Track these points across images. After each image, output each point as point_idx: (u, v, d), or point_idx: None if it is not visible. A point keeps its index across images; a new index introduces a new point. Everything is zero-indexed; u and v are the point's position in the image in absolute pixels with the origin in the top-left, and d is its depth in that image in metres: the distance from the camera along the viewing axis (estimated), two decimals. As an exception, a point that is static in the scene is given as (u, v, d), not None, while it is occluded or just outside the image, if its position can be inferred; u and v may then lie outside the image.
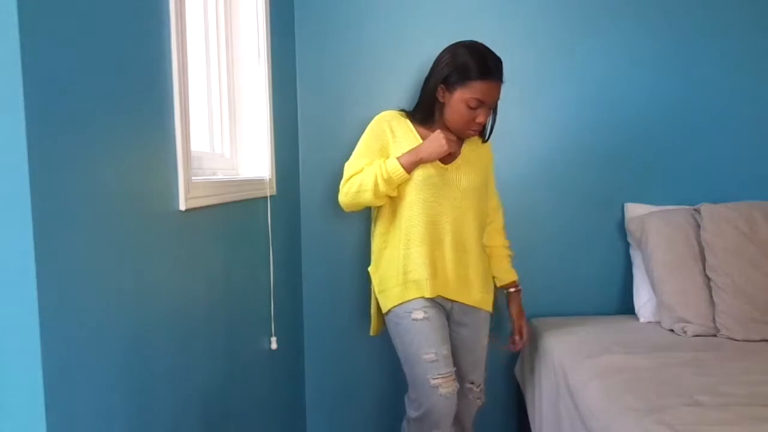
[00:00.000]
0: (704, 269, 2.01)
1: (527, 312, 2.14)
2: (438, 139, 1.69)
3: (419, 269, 1.75)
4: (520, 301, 1.97)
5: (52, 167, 0.74)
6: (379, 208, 1.85)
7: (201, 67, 1.55)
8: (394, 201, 1.80)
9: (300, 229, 2.30)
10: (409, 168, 1.71)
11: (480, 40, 1.76)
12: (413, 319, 1.74)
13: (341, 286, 2.32)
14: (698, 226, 2.06)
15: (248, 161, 1.75)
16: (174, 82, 1.10)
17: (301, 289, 2.31)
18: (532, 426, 2.06)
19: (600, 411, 1.49)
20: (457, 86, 1.69)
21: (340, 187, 1.82)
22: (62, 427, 0.75)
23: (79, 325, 0.79)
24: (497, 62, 1.71)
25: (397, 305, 1.77)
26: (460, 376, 1.86)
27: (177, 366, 1.12)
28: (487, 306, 1.87)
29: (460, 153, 1.80)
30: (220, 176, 1.53)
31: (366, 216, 2.20)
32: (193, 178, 1.19)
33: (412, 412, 1.79)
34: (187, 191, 1.14)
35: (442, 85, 1.72)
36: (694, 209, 2.12)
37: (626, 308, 2.28)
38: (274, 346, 1.74)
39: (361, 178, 1.75)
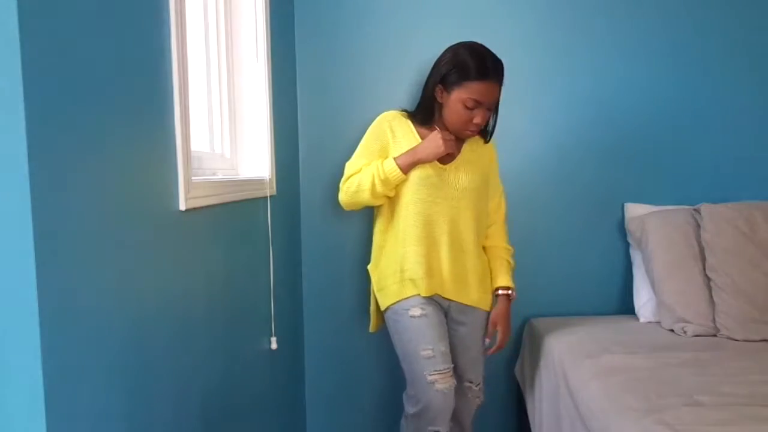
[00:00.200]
0: (704, 269, 2.01)
1: (527, 312, 2.14)
2: (435, 140, 1.69)
3: (415, 268, 1.76)
4: (504, 306, 1.87)
5: (52, 167, 0.74)
6: (379, 206, 1.85)
7: (201, 67, 1.55)
8: (393, 200, 1.81)
9: (300, 229, 2.30)
10: (406, 169, 1.72)
11: (481, 40, 1.76)
12: (411, 316, 1.75)
13: (341, 285, 2.32)
14: (698, 226, 2.06)
15: (248, 161, 1.75)
16: (174, 82, 1.10)
17: (301, 289, 2.31)
18: (532, 426, 2.06)
19: (600, 411, 1.49)
20: (455, 86, 1.69)
21: (340, 185, 1.84)
22: (62, 427, 0.75)
23: (79, 325, 0.79)
24: (495, 63, 1.70)
25: (395, 302, 1.79)
26: (458, 374, 1.86)
27: (177, 366, 1.12)
28: (485, 305, 1.87)
29: (458, 153, 1.80)
30: (220, 176, 1.53)
31: (366, 216, 2.20)
32: (193, 178, 1.19)
33: (409, 408, 1.80)
34: (187, 191, 1.14)
35: (440, 86, 1.73)
36: (694, 209, 2.12)
37: (626, 308, 2.28)
38: (274, 346, 1.74)
39: (359, 177, 1.76)
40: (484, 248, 1.91)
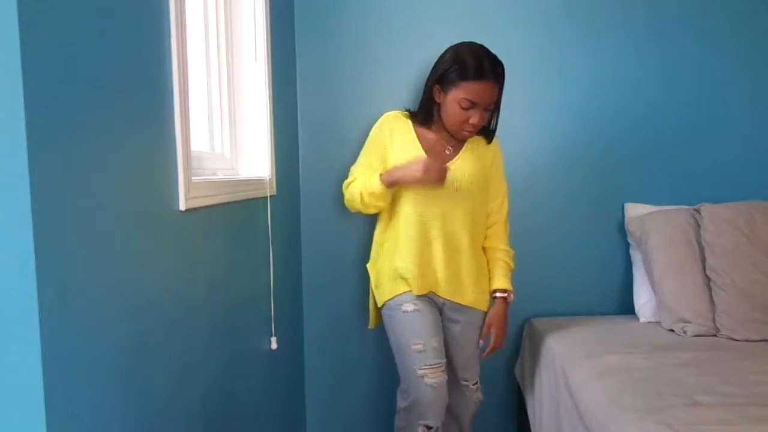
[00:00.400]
0: (704, 269, 2.01)
1: (527, 312, 2.14)
2: (417, 167, 1.68)
3: (408, 267, 1.78)
4: (500, 308, 1.86)
5: (52, 167, 0.73)
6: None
7: (201, 67, 1.55)
8: (393, 200, 1.83)
9: (300, 229, 2.30)
10: (389, 185, 1.74)
11: (481, 39, 1.76)
12: (404, 311, 1.78)
13: (341, 285, 2.32)
14: (698, 226, 2.06)
15: (248, 161, 1.75)
16: (174, 82, 1.10)
17: (301, 289, 2.31)
18: (532, 426, 2.06)
19: (600, 411, 1.49)
20: (451, 87, 1.69)
21: (343, 189, 1.89)
22: (62, 427, 0.75)
23: (79, 325, 0.79)
24: (492, 63, 1.68)
25: (390, 299, 1.82)
26: (454, 372, 1.88)
27: (177, 366, 1.12)
28: (482, 306, 1.88)
29: (457, 154, 1.80)
30: (220, 176, 1.53)
31: (365, 216, 2.19)
32: (193, 178, 1.19)
33: (401, 402, 1.83)
34: (187, 191, 1.14)
35: (437, 86, 1.74)
36: (694, 209, 2.12)
37: (626, 308, 2.28)
38: (274, 346, 1.74)
39: (355, 188, 1.81)
40: (483, 249, 1.91)
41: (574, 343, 1.93)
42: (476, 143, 1.85)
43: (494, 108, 1.77)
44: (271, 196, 1.77)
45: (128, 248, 0.93)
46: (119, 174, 0.91)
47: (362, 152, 1.89)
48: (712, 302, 1.97)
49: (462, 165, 1.79)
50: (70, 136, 0.77)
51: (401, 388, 1.84)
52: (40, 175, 0.71)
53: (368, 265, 1.94)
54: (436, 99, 1.75)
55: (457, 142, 1.81)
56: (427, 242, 1.79)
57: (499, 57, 1.72)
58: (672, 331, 2.00)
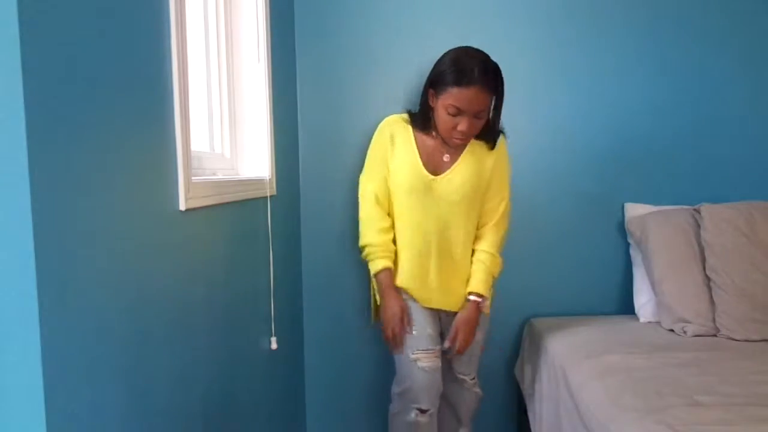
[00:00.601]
0: (704, 269, 2.01)
1: (527, 312, 2.14)
2: (384, 319, 1.79)
3: (405, 276, 1.80)
4: (471, 313, 1.80)
5: (52, 167, 0.74)
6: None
7: (201, 67, 1.55)
8: (392, 207, 1.83)
9: (300, 229, 2.30)
10: (378, 281, 1.83)
11: (481, 41, 1.75)
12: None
13: (341, 286, 2.31)
14: (698, 226, 2.06)
15: (248, 161, 1.75)
16: (174, 83, 1.10)
17: (301, 289, 2.31)
18: (532, 426, 2.06)
19: (600, 411, 1.49)
20: (441, 92, 1.65)
21: (359, 198, 1.87)
22: (62, 427, 0.75)
23: (79, 325, 0.79)
24: (482, 70, 1.60)
25: None
26: (452, 367, 1.90)
27: (177, 366, 1.12)
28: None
29: (456, 160, 1.78)
30: (220, 176, 1.53)
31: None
32: (193, 178, 1.19)
33: (395, 388, 1.84)
34: (187, 191, 1.14)
35: (431, 90, 1.71)
36: (694, 209, 2.12)
37: (626, 308, 2.28)
38: (274, 346, 1.74)
39: (363, 230, 1.84)
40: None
41: (574, 343, 1.93)
42: (478, 148, 1.80)
43: (486, 116, 1.70)
44: (271, 196, 1.77)
45: (128, 248, 0.93)
46: (119, 174, 0.91)
47: (367, 160, 1.85)
48: (712, 302, 1.97)
49: (459, 173, 1.76)
50: (70, 136, 0.77)
51: (396, 377, 1.85)
52: (40, 175, 0.71)
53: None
54: (431, 103, 1.72)
55: (457, 148, 1.79)
56: (424, 250, 1.79)
57: (500, 57, 1.69)
58: (672, 331, 2.00)
